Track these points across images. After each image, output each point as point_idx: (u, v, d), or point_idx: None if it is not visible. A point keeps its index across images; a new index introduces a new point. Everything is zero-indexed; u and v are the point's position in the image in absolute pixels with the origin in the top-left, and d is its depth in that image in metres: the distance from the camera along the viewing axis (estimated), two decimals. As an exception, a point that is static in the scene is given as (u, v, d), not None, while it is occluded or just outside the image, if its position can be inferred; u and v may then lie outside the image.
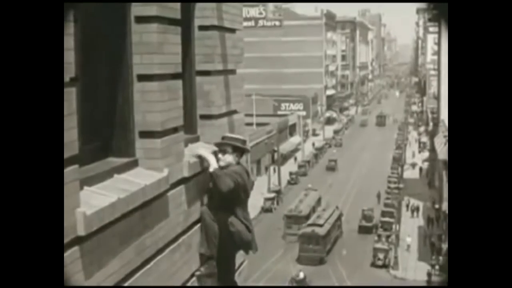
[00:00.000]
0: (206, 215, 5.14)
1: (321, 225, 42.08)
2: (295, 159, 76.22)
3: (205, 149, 5.20)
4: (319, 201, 52.16)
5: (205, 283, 5.19)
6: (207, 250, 5.17)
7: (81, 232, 3.30)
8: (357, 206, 52.13)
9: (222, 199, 5.09)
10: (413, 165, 69.35)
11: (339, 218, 46.26)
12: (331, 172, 68.61)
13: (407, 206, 53.50)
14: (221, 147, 5.32)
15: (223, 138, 5.40)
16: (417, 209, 52.09)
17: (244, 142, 5.46)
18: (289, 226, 46.63)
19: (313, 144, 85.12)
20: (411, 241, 44.07)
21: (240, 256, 6.18)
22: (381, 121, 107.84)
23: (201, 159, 5.12)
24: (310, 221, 43.70)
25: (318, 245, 40.59)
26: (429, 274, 38.55)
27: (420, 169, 69.27)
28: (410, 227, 47.91)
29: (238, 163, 5.31)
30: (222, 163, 5.21)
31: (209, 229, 5.14)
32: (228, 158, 5.26)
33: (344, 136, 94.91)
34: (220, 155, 5.27)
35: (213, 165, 5.06)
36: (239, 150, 5.35)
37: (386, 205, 51.06)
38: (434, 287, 35.84)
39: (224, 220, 5.14)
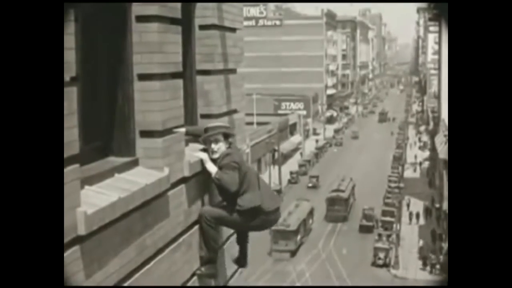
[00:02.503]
0: (203, 220, 5.10)
1: (343, 191, 51.98)
2: (301, 154, 77.28)
3: (204, 153, 5.15)
4: (311, 212, 48.51)
5: (206, 283, 5.19)
6: (206, 254, 5.16)
7: (82, 231, 3.30)
8: (358, 205, 52.16)
9: (227, 195, 5.08)
10: (414, 167, 69.26)
11: (353, 187, 55.03)
12: (312, 190, 60.00)
13: (408, 205, 53.40)
14: (213, 137, 5.13)
15: (207, 129, 5.15)
16: (418, 215, 50.08)
17: (228, 127, 5.38)
18: (275, 242, 42.27)
19: (317, 141, 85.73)
20: (423, 243, 43.11)
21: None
22: (383, 117, 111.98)
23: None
24: (334, 188, 52.82)
25: (342, 206, 50.54)
26: (421, 248, 39.88)
27: (420, 163, 69.96)
28: (411, 230, 47.55)
29: (229, 146, 5.20)
30: (216, 155, 5.10)
31: (206, 234, 5.11)
32: (222, 146, 5.13)
33: (345, 135, 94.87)
34: (213, 146, 5.11)
35: (213, 171, 5.03)
36: (229, 136, 5.24)
37: (386, 204, 51.05)
38: (434, 287, 35.85)
39: (232, 207, 5.12)
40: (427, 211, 51.01)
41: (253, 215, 5.17)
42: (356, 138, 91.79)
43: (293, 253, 42.83)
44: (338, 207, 50.51)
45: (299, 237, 43.98)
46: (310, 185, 61.83)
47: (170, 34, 4.56)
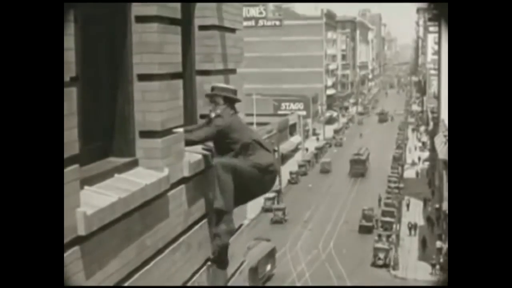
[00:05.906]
0: (219, 169, 5.03)
1: (362, 155, 69.68)
2: (306, 150, 78.36)
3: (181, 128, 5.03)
4: (270, 255, 38.44)
5: (216, 273, 5.20)
6: (224, 205, 5.04)
7: (82, 232, 3.30)
8: (357, 205, 52.15)
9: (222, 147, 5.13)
10: (416, 172, 69.46)
11: (368, 154, 71.49)
12: (278, 225, 49.07)
13: (407, 206, 53.38)
14: (212, 99, 5.28)
15: (213, 89, 5.31)
16: (415, 226, 48.03)
17: (235, 92, 5.37)
18: None
19: (318, 139, 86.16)
20: (442, 245, 42.37)
21: (239, 256, 6.19)
22: (383, 117, 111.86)
23: (200, 156, 5.13)
24: (356, 152, 70.07)
25: (361, 165, 67.49)
26: (423, 240, 41.21)
27: (419, 159, 72.05)
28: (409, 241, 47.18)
29: (234, 113, 5.25)
30: (213, 114, 5.15)
31: (224, 184, 5.02)
32: (220, 109, 5.17)
33: (344, 135, 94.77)
34: (212, 107, 5.22)
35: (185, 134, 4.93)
36: (231, 101, 5.26)
37: (386, 204, 51.03)
38: (434, 287, 35.86)
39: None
40: (425, 201, 53.08)
41: (265, 171, 5.24)
42: (327, 171, 68.66)
43: None
44: (358, 166, 67.10)
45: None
46: (274, 219, 50.14)
47: (169, 34, 4.56)
